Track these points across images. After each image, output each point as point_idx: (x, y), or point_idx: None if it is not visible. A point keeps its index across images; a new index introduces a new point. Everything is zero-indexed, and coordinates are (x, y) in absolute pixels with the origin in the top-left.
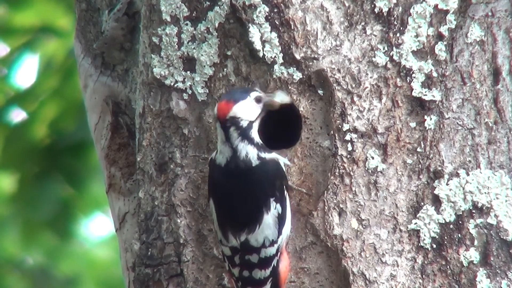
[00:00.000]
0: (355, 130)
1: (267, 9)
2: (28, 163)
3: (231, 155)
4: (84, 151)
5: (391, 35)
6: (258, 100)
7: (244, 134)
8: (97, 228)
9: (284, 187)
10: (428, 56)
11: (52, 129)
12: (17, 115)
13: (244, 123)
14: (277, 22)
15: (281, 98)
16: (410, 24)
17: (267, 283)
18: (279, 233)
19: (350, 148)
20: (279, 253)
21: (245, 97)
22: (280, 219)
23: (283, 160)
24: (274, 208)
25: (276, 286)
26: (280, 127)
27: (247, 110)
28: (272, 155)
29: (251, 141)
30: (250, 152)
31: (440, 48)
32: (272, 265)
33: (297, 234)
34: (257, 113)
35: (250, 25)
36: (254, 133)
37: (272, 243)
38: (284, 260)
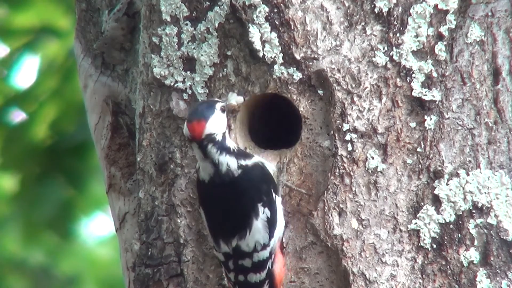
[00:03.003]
0: (355, 130)
1: (267, 9)
2: (29, 163)
3: (214, 170)
4: (85, 152)
5: (391, 35)
6: (223, 110)
7: (222, 147)
8: (98, 228)
9: (272, 190)
10: (428, 56)
11: (53, 130)
12: (17, 116)
13: (219, 137)
14: (277, 22)
15: (235, 99)
16: (410, 24)
17: (264, 286)
18: (271, 236)
19: (350, 148)
20: (273, 255)
21: (213, 111)
22: (270, 223)
23: (267, 164)
24: (263, 212)
25: (272, 287)
26: (280, 127)
27: (218, 123)
28: (255, 159)
29: (228, 150)
30: (230, 163)
31: (440, 48)
32: (267, 267)
33: (297, 234)
34: (226, 122)
35: (250, 25)
36: (229, 142)
37: (264, 246)
38: (278, 262)
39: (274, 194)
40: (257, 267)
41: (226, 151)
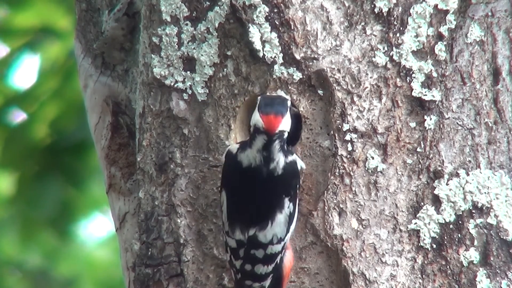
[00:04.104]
0: (355, 130)
1: (267, 9)
2: (28, 162)
3: (260, 163)
4: (84, 151)
5: (391, 35)
6: (291, 109)
7: (283, 146)
8: (96, 229)
9: (298, 186)
10: (428, 56)
11: (53, 128)
12: (17, 116)
13: (285, 136)
14: (277, 22)
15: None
16: (410, 24)
17: (267, 279)
18: (287, 231)
19: (350, 148)
20: (283, 250)
21: (286, 109)
22: (290, 218)
23: (300, 163)
24: (287, 207)
25: (278, 281)
26: None
27: (289, 122)
28: (293, 156)
29: (284, 150)
30: (280, 162)
31: (440, 48)
32: (276, 262)
33: (297, 234)
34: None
35: (250, 25)
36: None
37: (280, 240)
38: (287, 255)
39: (298, 191)
40: (267, 259)
41: (283, 150)
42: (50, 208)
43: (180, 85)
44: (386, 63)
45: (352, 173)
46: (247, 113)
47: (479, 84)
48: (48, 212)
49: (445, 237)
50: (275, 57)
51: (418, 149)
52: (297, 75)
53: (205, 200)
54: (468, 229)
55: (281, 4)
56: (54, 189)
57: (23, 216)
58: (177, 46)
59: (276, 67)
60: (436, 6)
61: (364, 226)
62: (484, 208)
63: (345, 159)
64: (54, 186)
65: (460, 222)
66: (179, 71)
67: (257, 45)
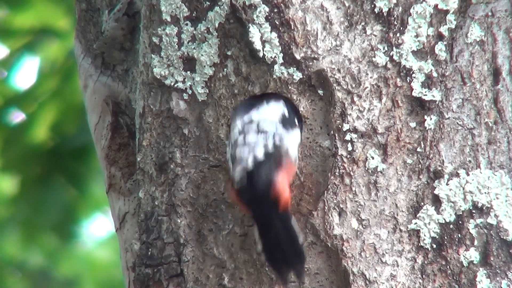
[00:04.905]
0: (355, 130)
1: (267, 9)
2: (30, 165)
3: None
4: (86, 154)
5: (391, 35)
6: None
7: None
8: (97, 229)
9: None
10: (428, 56)
11: (54, 131)
12: (17, 117)
13: None
14: (277, 22)
15: None
16: (410, 24)
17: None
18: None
19: (350, 148)
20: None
21: None
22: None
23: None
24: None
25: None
26: None
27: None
28: None
29: None
30: None
31: (440, 48)
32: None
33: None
34: None
35: (250, 25)
36: None
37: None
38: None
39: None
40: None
41: None
42: (53, 212)
43: (180, 85)
44: (386, 63)
45: (352, 173)
46: None
47: (479, 84)
48: (51, 216)
49: (445, 237)
50: (275, 57)
51: (418, 149)
52: (297, 75)
53: (205, 200)
54: (468, 229)
55: (281, 4)
56: (57, 192)
57: (25, 217)
58: (177, 46)
59: (276, 67)
60: (436, 6)
61: (364, 226)
62: (484, 208)
63: (345, 159)
64: (57, 189)
65: (460, 222)
66: (179, 71)
67: (257, 45)
